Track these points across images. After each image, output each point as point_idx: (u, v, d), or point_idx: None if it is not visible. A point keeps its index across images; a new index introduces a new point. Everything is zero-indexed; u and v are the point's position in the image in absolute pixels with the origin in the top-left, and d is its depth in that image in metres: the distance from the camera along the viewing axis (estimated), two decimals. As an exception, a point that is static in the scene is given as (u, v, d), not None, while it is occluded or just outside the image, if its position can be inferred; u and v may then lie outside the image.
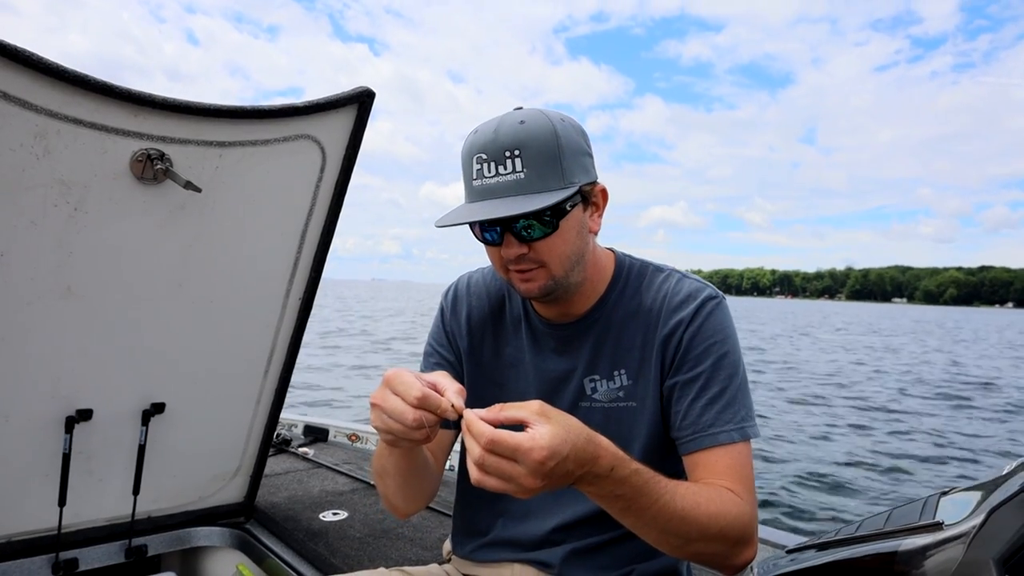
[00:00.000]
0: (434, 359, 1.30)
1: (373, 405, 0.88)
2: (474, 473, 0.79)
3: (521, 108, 1.05)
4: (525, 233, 1.03)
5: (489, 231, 1.07)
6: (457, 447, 1.34)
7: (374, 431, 3.43)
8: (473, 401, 1.25)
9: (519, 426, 0.81)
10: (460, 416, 0.84)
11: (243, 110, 1.57)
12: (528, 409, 0.81)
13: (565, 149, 1.02)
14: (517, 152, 0.99)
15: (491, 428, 0.78)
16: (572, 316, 1.18)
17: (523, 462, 0.77)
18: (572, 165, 1.03)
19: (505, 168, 1.00)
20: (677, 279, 1.16)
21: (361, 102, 1.69)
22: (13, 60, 1.28)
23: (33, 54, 1.29)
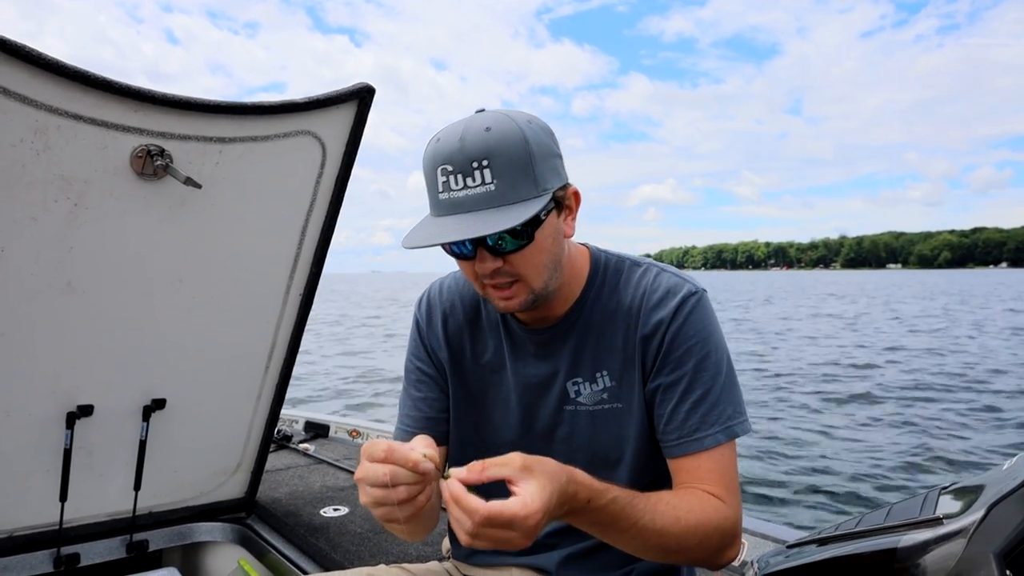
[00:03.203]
0: (415, 375, 1.25)
1: (357, 481, 0.84)
2: (464, 540, 0.77)
3: (483, 111, 1.00)
4: (499, 245, 0.98)
5: (459, 245, 1.01)
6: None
7: (374, 427, 3.41)
8: (459, 411, 1.22)
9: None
10: (434, 464, 0.82)
11: (243, 106, 1.56)
12: (511, 466, 0.79)
13: (536, 154, 0.96)
14: (486, 162, 0.92)
15: (484, 504, 0.76)
16: (550, 319, 1.14)
17: (518, 528, 0.76)
18: (544, 170, 0.97)
19: (474, 180, 0.93)
20: (655, 274, 1.12)
21: (361, 98, 1.69)
22: (13, 56, 1.28)
23: (33, 50, 1.29)
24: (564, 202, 1.04)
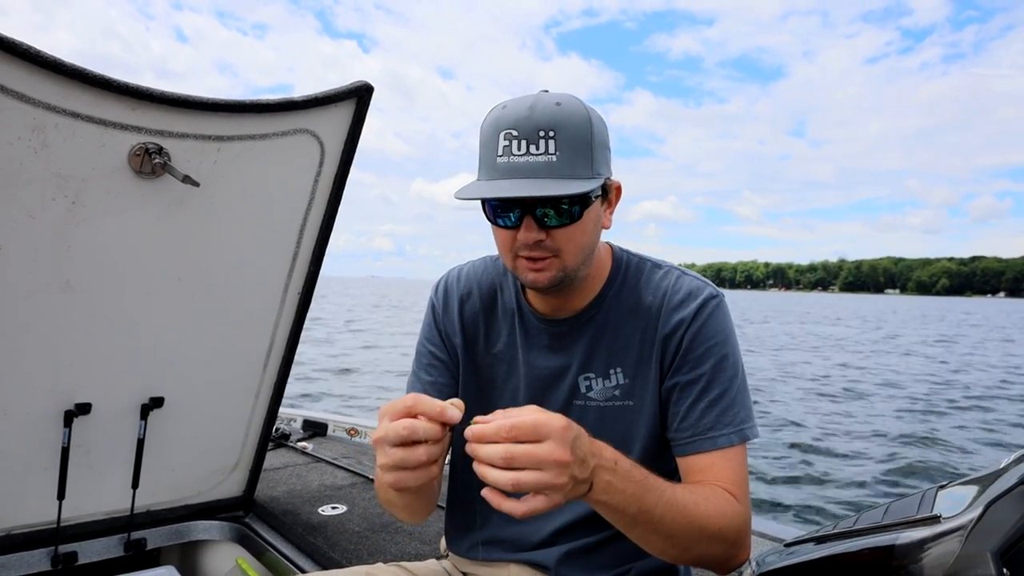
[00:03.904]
0: (426, 359, 1.25)
1: (374, 443, 0.84)
2: (505, 477, 0.75)
3: (548, 91, 1.01)
4: (546, 219, 1.00)
5: (503, 216, 1.02)
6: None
7: (373, 426, 3.43)
8: (467, 399, 1.23)
9: None
10: (460, 411, 0.82)
11: (241, 104, 1.56)
12: (529, 409, 0.81)
13: (596, 139, 0.99)
14: (552, 133, 0.95)
15: (506, 419, 0.77)
16: (568, 312, 1.15)
17: (549, 435, 0.76)
18: (600, 156, 1.00)
19: (537, 148, 0.95)
20: (676, 276, 1.13)
21: (359, 96, 1.68)
22: (11, 53, 1.28)
23: (31, 47, 1.29)
24: (608, 194, 1.07)
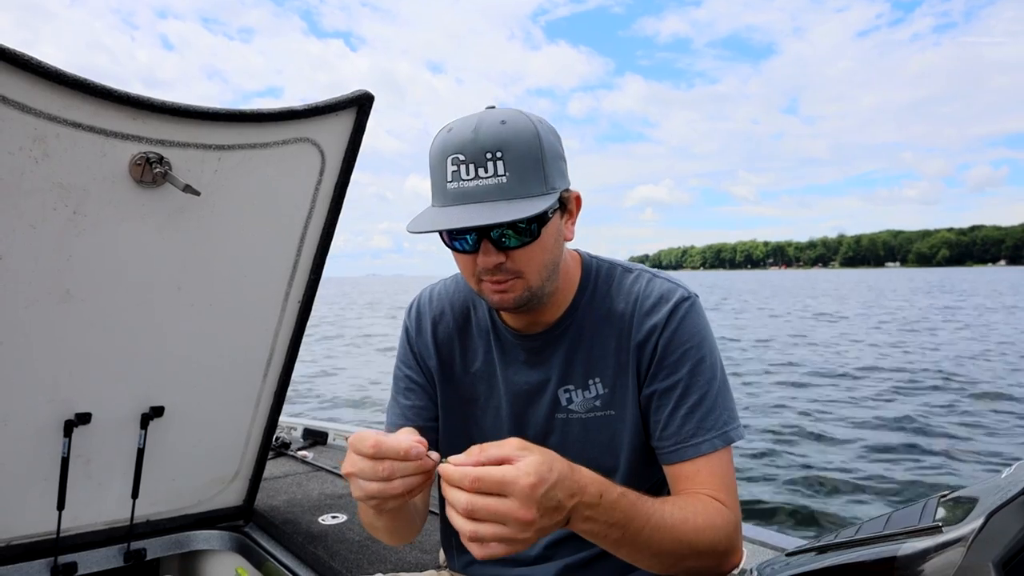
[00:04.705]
0: (403, 384, 1.24)
1: (347, 475, 0.83)
2: (465, 526, 0.74)
3: (494, 107, 1.00)
4: (503, 241, 0.98)
5: (460, 239, 1.00)
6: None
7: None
8: (450, 419, 1.22)
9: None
10: (426, 450, 0.81)
11: (242, 113, 1.57)
12: (509, 446, 0.78)
13: (547, 153, 0.97)
14: (499, 154, 0.92)
15: (473, 468, 0.75)
16: (541, 325, 1.13)
17: (512, 493, 0.74)
18: (552, 170, 0.97)
19: (486, 171, 0.92)
20: (647, 280, 1.12)
21: (360, 105, 1.69)
22: (12, 64, 1.28)
23: (32, 58, 1.29)
24: (567, 205, 1.05)
